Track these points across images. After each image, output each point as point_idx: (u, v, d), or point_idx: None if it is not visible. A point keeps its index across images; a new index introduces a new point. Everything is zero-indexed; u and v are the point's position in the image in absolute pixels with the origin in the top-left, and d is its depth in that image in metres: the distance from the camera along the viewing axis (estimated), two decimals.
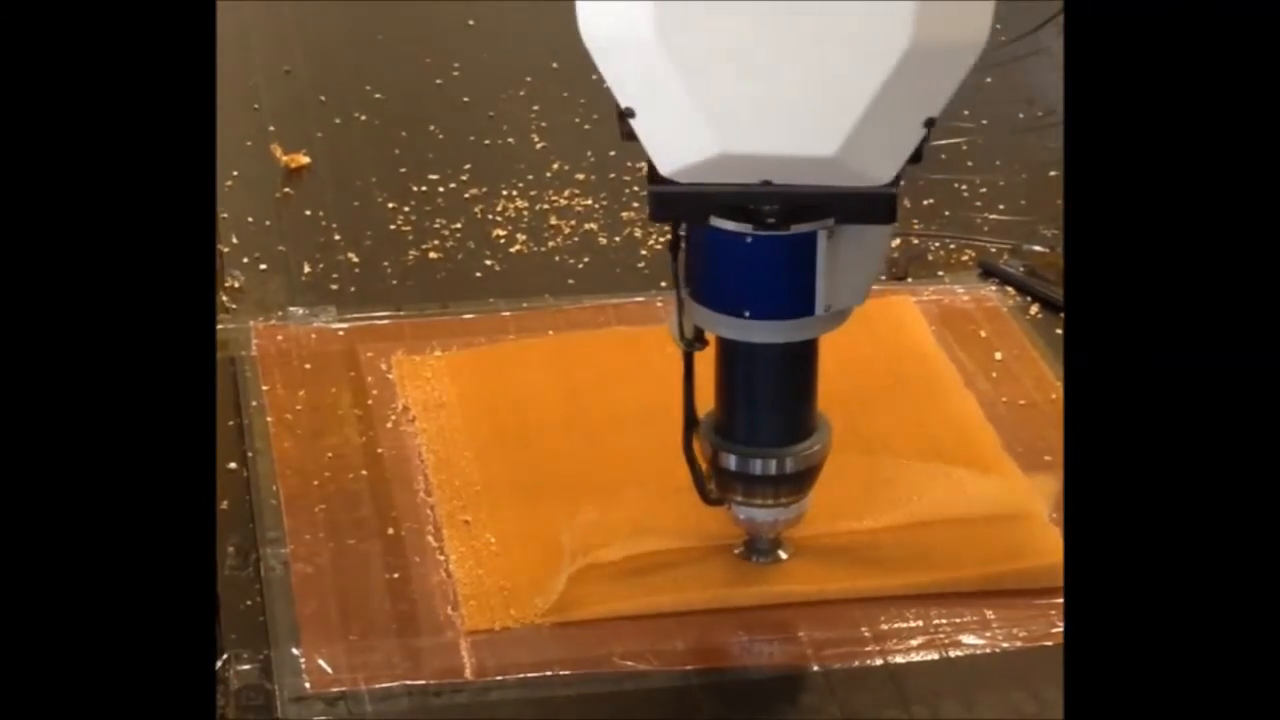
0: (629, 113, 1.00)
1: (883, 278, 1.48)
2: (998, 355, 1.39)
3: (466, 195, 1.57)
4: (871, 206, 1.04)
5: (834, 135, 0.99)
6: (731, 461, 1.14)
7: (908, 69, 0.97)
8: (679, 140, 1.00)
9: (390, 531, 1.21)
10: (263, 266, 1.47)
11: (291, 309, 1.41)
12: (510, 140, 1.66)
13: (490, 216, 1.54)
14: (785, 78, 0.98)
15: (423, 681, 1.11)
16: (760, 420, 1.13)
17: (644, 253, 1.50)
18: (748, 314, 1.08)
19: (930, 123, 1.00)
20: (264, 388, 1.33)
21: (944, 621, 1.16)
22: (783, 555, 1.18)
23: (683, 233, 1.09)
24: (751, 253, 1.06)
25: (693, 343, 1.12)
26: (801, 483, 1.14)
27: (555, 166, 1.62)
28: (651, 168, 1.03)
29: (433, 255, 1.49)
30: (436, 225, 1.53)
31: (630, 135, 1.02)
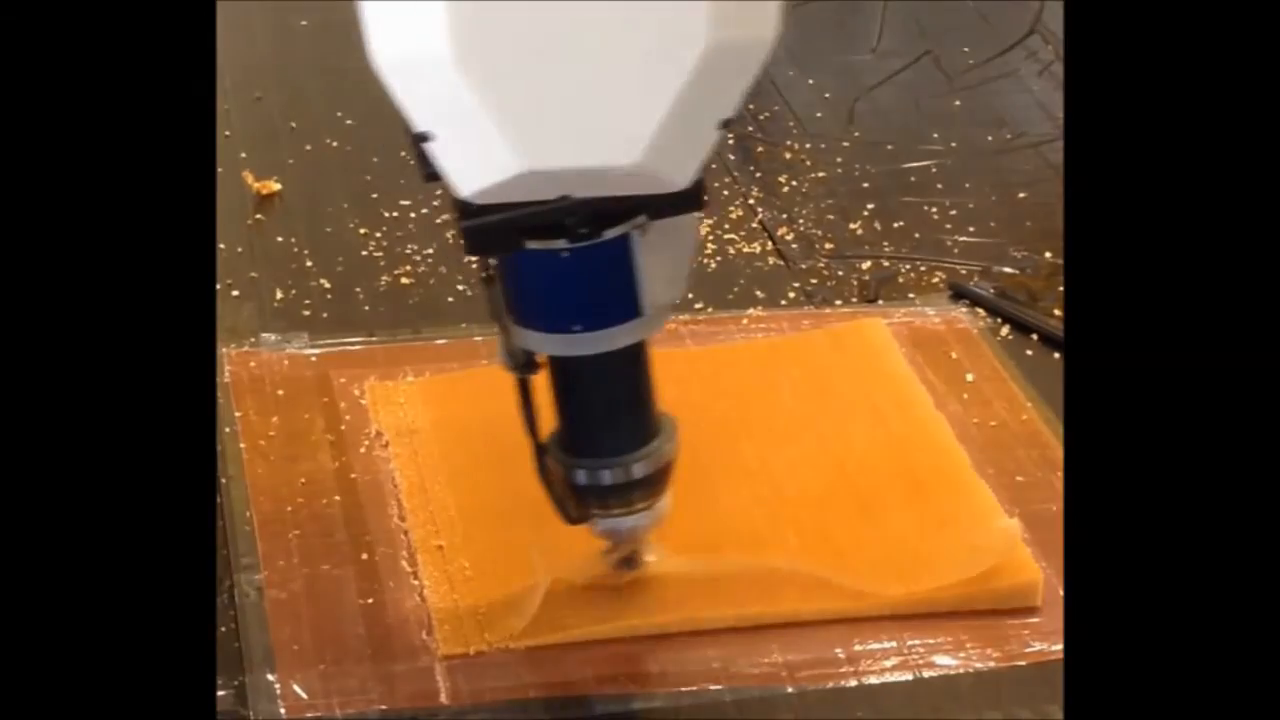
0: (424, 137, 0.99)
1: (854, 300, 1.49)
2: (969, 377, 1.40)
3: (438, 220, 1.57)
4: (681, 198, 1.03)
5: (636, 144, 0.98)
6: (582, 476, 1.13)
7: (705, 71, 0.97)
8: (478, 161, 0.99)
9: (364, 557, 1.21)
10: (235, 293, 1.47)
11: (264, 335, 1.41)
12: None
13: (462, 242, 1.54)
14: (584, 89, 0.97)
15: (398, 707, 1.11)
16: (605, 430, 1.13)
17: None
18: (578, 328, 1.08)
19: (727, 124, 1.00)
20: (237, 414, 1.33)
21: (918, 642, 1.16)
22: (650, 559, 1.18)
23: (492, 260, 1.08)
24: (570, 267, 1.05)
25: (526, 367, 1.11)
26: (653, 485, 1.14)
27: None
28: (460, 203, 1.02)
29: (405, 281, 1.49)
30: (408, 250, 1.53)
31: (432, 176, 1.01)
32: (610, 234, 1.04)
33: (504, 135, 0.98)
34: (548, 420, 1.14)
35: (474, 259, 1.09)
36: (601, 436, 1.12)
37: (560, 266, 1.05)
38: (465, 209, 1.02)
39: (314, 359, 1.39)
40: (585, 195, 1.01)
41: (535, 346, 1.10)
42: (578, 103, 0.98)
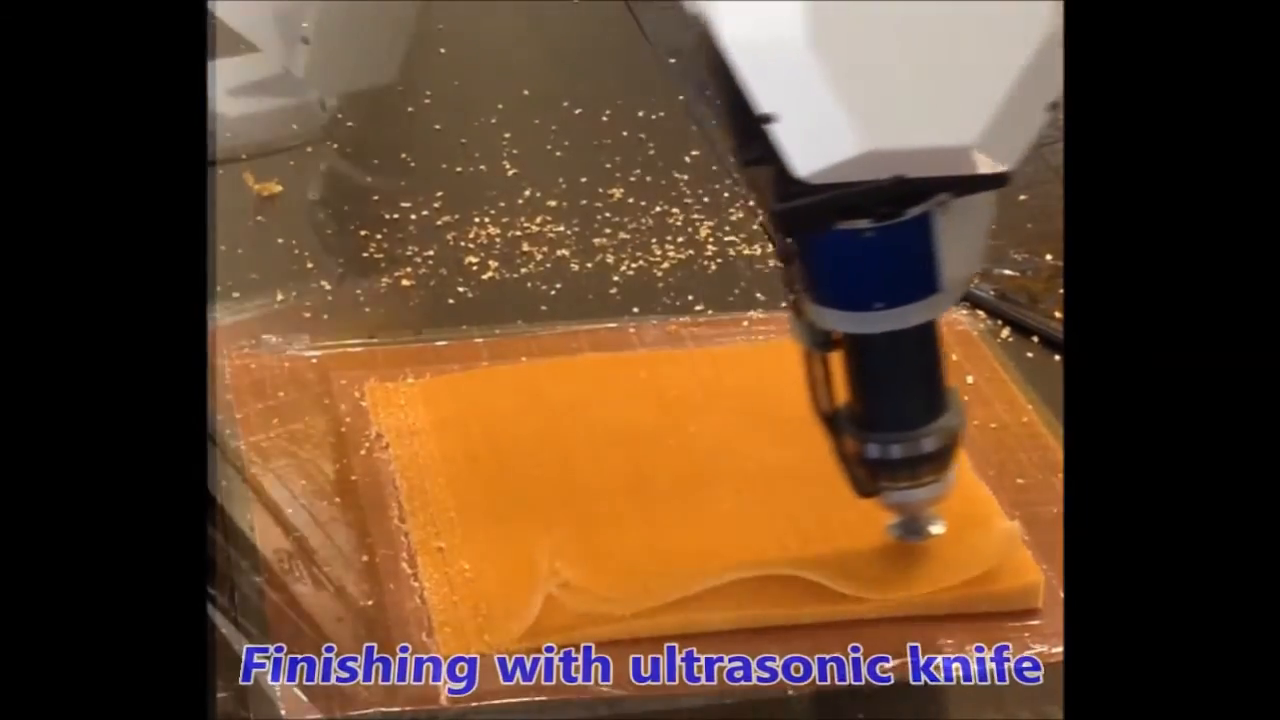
0: (768, 118, 1.00)
1: None
2: (969, 378, 1.39)
3: (438, 223, 1.57)
4: (989, 175, 1.04)
5: (975, 124, 1.00)
6: (873, 450, 1.14)
7: (1043, 54, 1.00)
8: (822, 141, 1.01)
9: (364, 559, 1.21)
10: (235, 295, 1.47)
11: (265, 337, 1.41)
12: (482, 167, 1.66)
13: (462, 244, 1.55)
14: (927, 71, 1.00)
15: (398, 709, 1.11)
16: (897, 405, 1.14)
17: (616, 279, 1.51)
18: (878, 305, 1.09)
19: (1054, 106, 1.02)
20: (238, 416, 1.33)
21: (918, 644, 1.16)
22: (934, 530, 1.18)
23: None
24: (873, 246, 1.06)
25: (823, 345, 1.13)
26: (941, 459, 1.15)
27: (527, 193, 1.62)
28: (780, 180, 1.02)
29: (405, 283, 1.49)
30: (409, 253, 1.53)
31: (752, 161, 1.03)
32: (913, 212, 1.05)
33: (850, 116, 0.99)
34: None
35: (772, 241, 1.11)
36: (893, 411, 1.14)
37: (863, 245, 1.06)
38: (782, 193, 1.03)
39: (314, 361, 1.39)
40: (916, 175, 1.02)
41: (833, 324, 1.11)
42: (920, 84, 1.00)
